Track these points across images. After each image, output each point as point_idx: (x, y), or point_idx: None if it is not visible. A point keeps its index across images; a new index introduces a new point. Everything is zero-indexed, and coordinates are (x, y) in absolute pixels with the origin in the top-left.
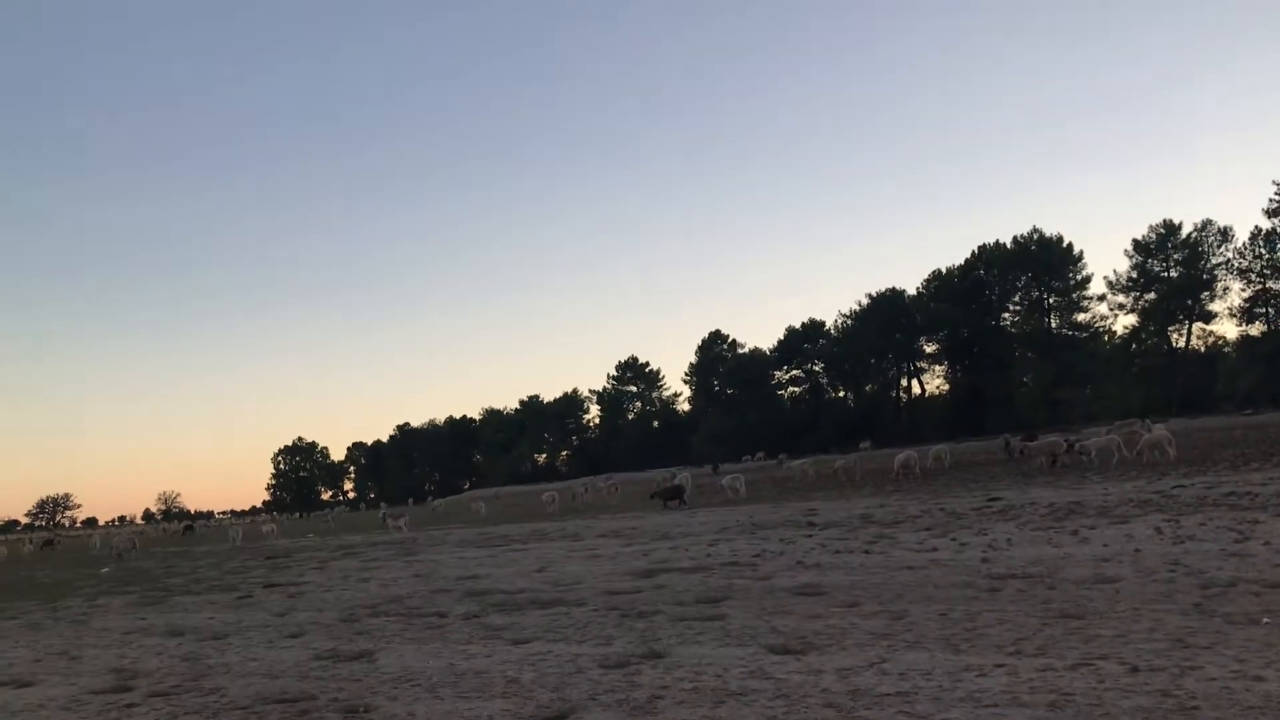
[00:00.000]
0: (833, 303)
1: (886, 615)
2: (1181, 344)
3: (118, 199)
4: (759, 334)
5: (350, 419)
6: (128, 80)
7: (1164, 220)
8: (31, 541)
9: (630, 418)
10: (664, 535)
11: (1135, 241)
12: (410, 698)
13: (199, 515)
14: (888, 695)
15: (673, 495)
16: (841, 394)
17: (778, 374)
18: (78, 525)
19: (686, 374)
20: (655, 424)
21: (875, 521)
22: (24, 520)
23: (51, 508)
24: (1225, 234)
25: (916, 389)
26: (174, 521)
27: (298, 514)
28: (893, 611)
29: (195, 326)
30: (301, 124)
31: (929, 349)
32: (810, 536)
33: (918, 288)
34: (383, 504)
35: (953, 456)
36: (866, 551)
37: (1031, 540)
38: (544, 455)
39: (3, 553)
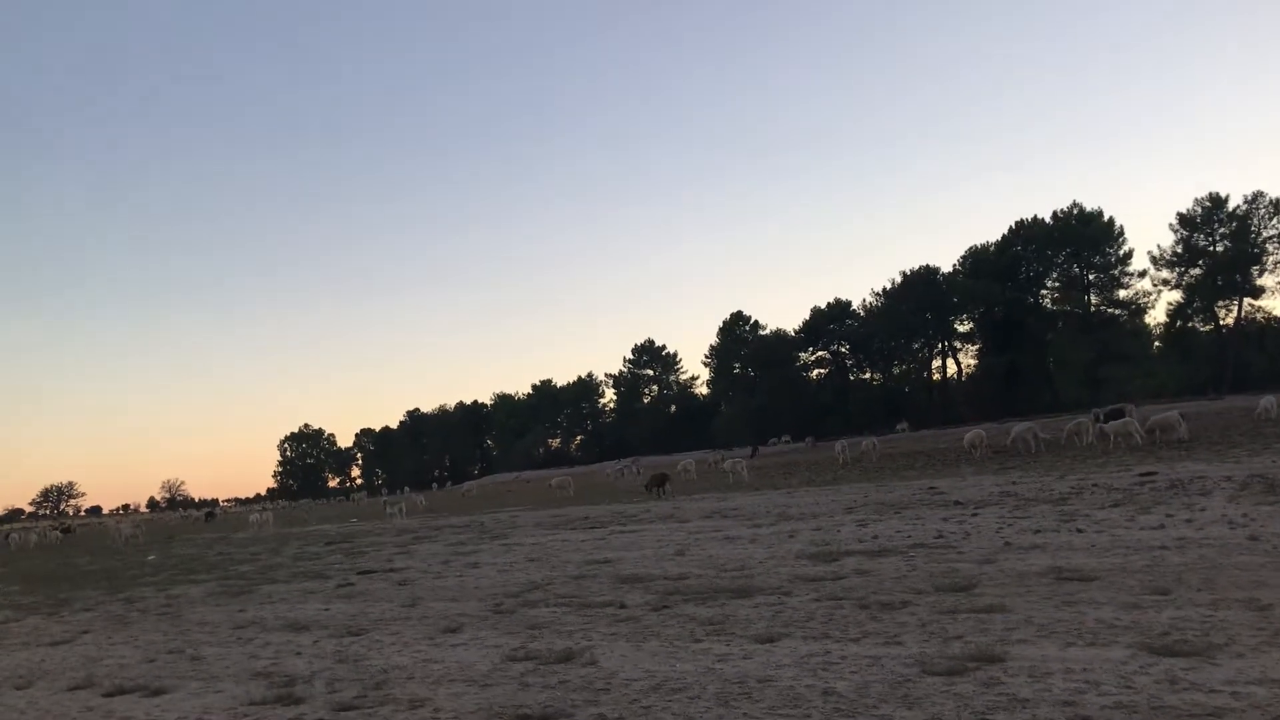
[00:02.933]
0: (858, 283)
1: (1239, 604)
2: (1228, 321)
3: (119, 180)
4: (782, 315)
5: (358, 406)
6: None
7: (1210, 193)
8: (50, 530)
9: (646, 401)
10: (783, 516)
11: (1180, 215)
12: (696, 712)
13: (204, 503)
14: None
15: (660, 482)
16: (868, 375)
17: (802, 355)
18: (82, 514)
19: (707, 356)
20: (672, 408)
21: (1028, 499)
22: (28, 509)
23: (56, 496)
24: (1277, 206)
25: (950, 369)
26: (181, 509)
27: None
28: (1238, 600)
29: (199, 311)
30: (311, 104)
31: (963, 328)
32: (975, 515)
33: (954, 264)
34: (352, 494)
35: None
36: (1080, 530)
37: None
38: (557, 440)
39: (31, 539)
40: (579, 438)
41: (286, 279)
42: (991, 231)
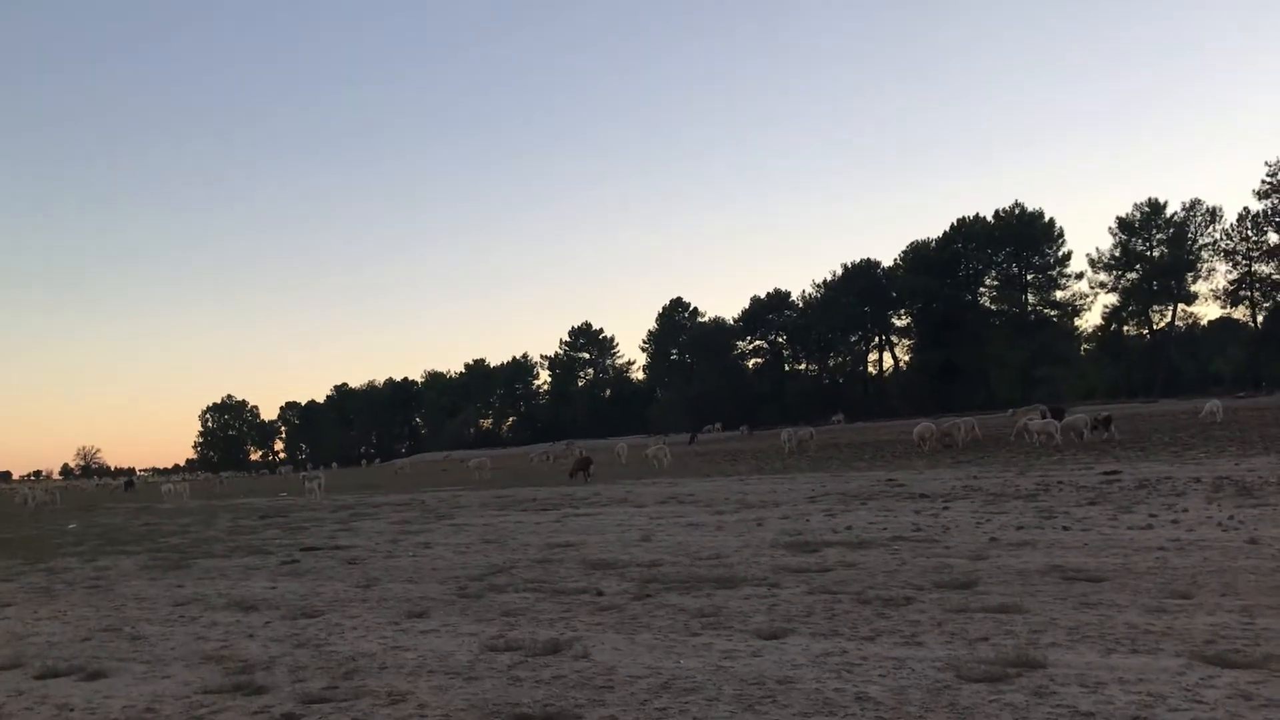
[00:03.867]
0: (800, 274)
1: (1273, 611)
2: (1162, 325)
3: (39, 140)
4: (721, 304)
5: (284, 379)
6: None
7: (1149, 199)
8: None
9: (581, 385)
10: (744, 504)
11: (1119, 219)
12: (719, 716)
13: (120, 472)
14: None
15: (584, 466)
16: (804, 366)
17: (740, 344)
18: None
19: (644, 341)
20: (607, 392)
21: (996, 494)
22: None
23: None
24: (1214, 214)
25: (887, 363)
26: (97, 477)
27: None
28: (1270, 607)
29: (116, 273)
30: (246, 75)
31: (901, 323)
32: (947, 509)
33: (895, 259)
34: (283, 468)
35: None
36: (1065, 528)
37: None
38: (489, 420)
39: None
40: (511, 419)
41: (211, 244)
42: (934, 228)
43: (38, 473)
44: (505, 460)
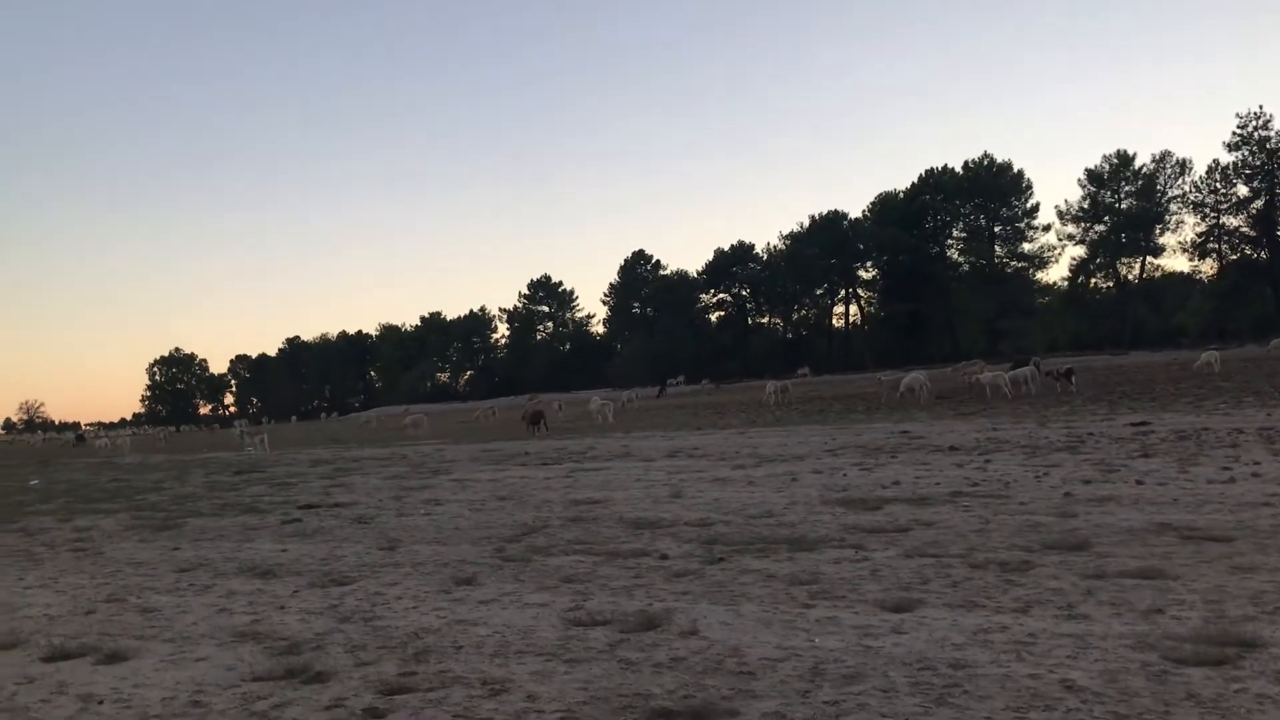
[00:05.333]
0: (765, 226)
1: None
2: (1129, 277)
3: None
4: (684, 256)
5: (234, 331)
6: None
7: (1118, 150)
8: None
9: (540, 338)
10: (761, 458)
11: (1088, 171)
12: (908, 711)
13: (65, 426)
14: None
15: (536, 420)
16: (766, 320)
17: (704, 297)
18: None
19: (605, 295)
20: (567, 345)
21: (1035, 446)
22: None
23: None
24: (1184, 166)
25: (854, 315)
26: (42, 431)
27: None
28: None
29: (56, 223)
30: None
31: (867, 275)
32: (989, 462)
33: (863, 211)
34: (238, 421)
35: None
36: (1139, 483)
37: None
38: (446, 374)
39: None
40: (469, 372)
41: (157, 191)
42: (902, 179)
43: None
44: (448, 416)
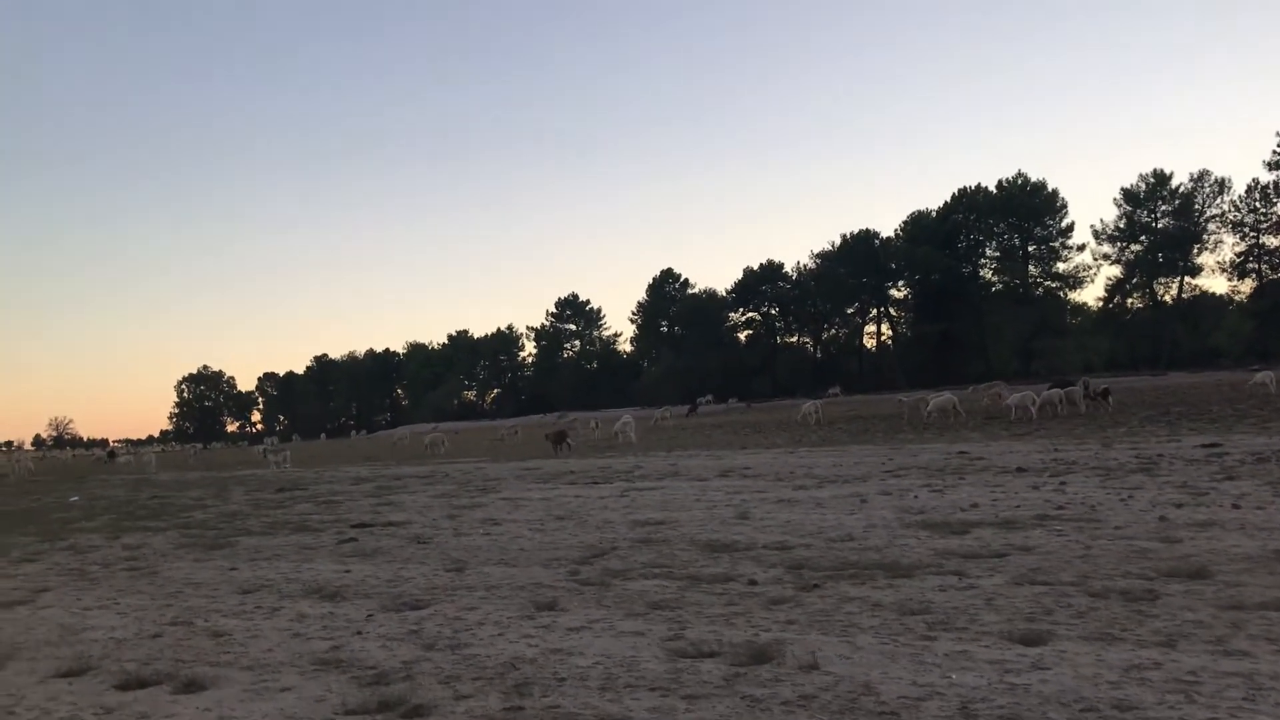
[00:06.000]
0: (794, 246)
1: None
2: (1167, 298)
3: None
4: (712, 275)
5: (262, 349)
6: None
7: (1155, 170)
8: None
9: (567, 356)
10: (820, 479)
11: (1124, 190)
12: None
13: (94, 443)
14: None
15: (560, 439)
16: (795, 339)
17: (732, 316)
18: None
19: (633, 313)
20: (594, 364)
21: (1107, 468)
22: None
23: None
24: (1222, 185)
25: (885, 334)
26: (71, 448)
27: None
28: None
29: (88, 243)
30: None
31: (899, 294)
32: (1064, 484)
33: (895, 230)
34: (267, 439)
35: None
36: (1236, 506)
37: None
38: (473, 392)
39: None
40: (495, 390)
41: (187, 212)
42: (934, 198)
43: (9, 443)
44: (471, 435)
